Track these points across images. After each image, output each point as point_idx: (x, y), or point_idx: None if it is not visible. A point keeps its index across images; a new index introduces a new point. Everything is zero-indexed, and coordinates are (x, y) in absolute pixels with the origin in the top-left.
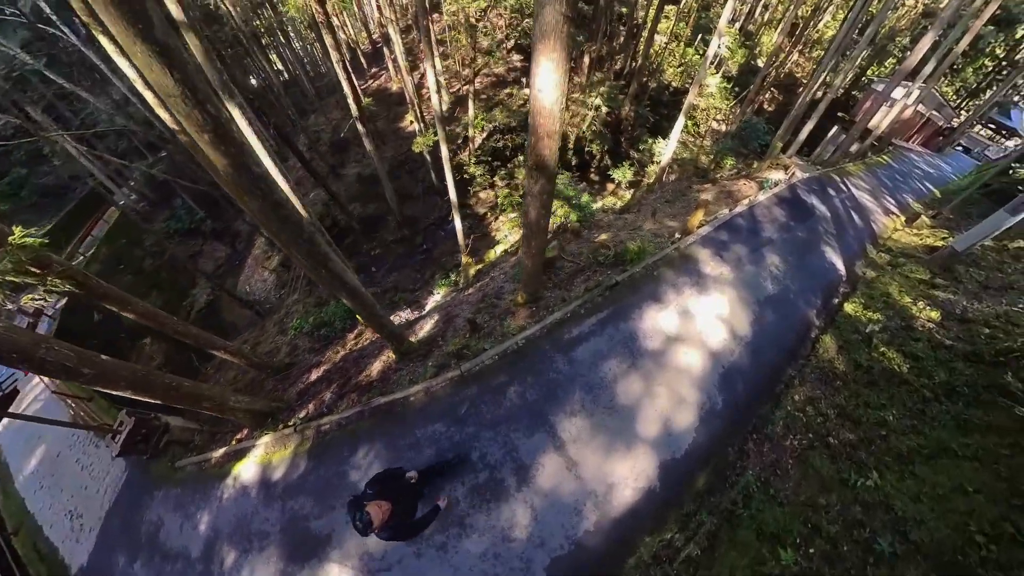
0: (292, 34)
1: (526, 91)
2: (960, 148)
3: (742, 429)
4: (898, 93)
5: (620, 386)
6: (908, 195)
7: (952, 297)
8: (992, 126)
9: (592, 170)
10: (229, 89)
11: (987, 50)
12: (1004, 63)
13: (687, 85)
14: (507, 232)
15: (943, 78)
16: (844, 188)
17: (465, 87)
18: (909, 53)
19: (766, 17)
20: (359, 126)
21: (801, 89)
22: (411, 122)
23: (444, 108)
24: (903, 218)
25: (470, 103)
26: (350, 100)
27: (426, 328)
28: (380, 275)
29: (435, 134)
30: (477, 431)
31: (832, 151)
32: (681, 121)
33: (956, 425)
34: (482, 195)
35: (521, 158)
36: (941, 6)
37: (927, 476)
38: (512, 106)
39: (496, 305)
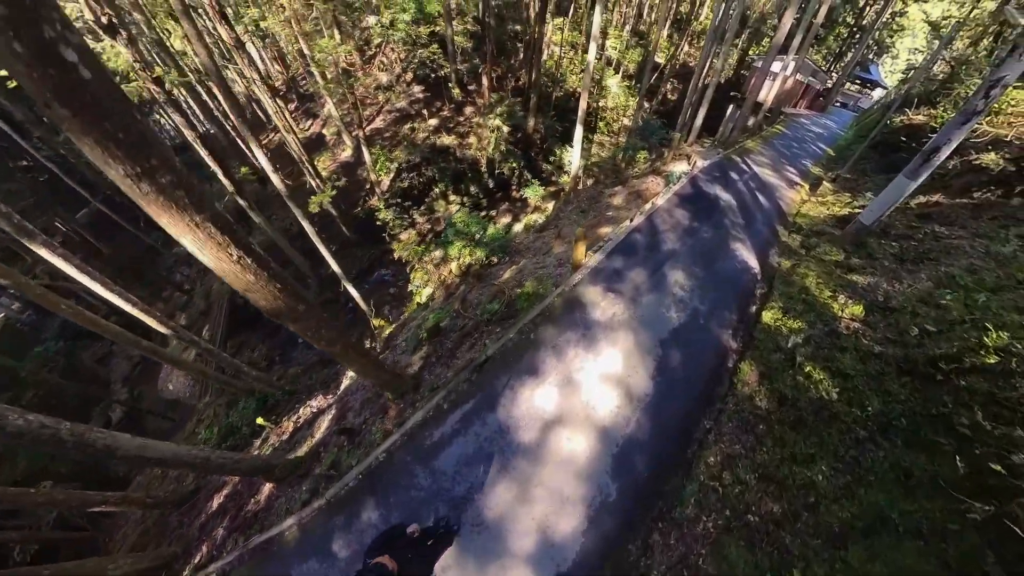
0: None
1: (431, 122)
2: (838, 104)
3: (645, 518)
4: (777, 67)
5: (489, 497)
6: (806, 160)
7: (871, 280)
8: (858, 82)
9: (513, 188)
10: None
11: (840, 20)
12: (855, 29)
13: (594, 90)
14: (419, 283)
15: (811, 48)
16: (746, 168)
17: (364, 129)
18: (776, 31)
19: (653, 16)
20: (240, 200)
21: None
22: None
23: (349, 153)
24: (806, 187)
25: (365, 151)
26: (221, 177)
27: (318, 433)
28: (306, 345)
29: (332, 189)
30: (348, 568)
31: (731, 129)
32: (579, 129)
33: (896, 479)
34: (403, 236)
35: (438, 189)
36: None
37: (861, 565)
38: (417, 140)
39: (381, 395)
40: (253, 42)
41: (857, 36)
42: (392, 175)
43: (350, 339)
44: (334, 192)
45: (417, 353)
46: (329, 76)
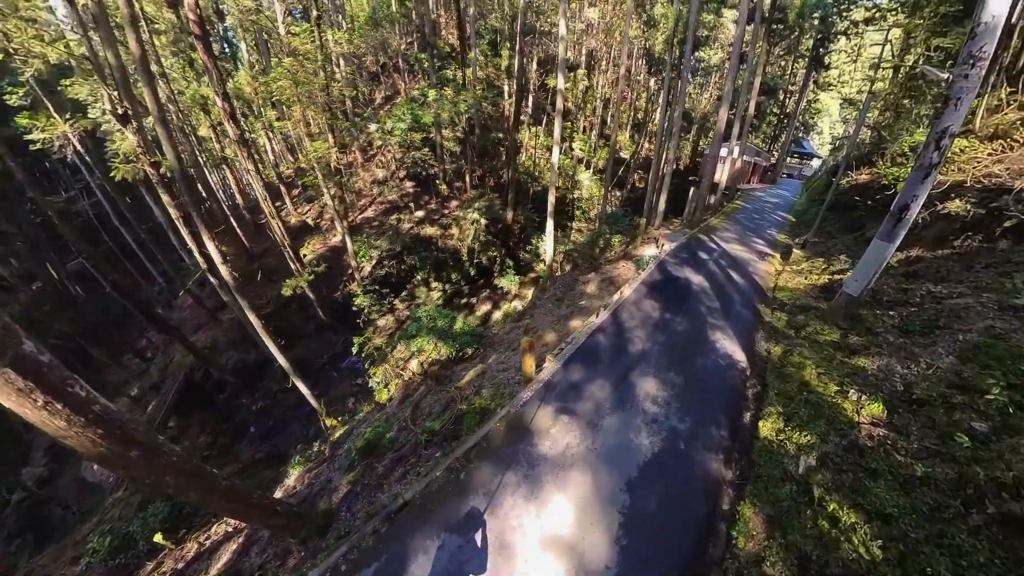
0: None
1: (417, 214)
2: (786, 175)
3: None
4: (725, 152)
5: None
6: (771, 229)
7: (881, 363)
8: (797, 156)
9: (495, 275)
10: None
11: (767, 111)
12: (782, 116)
13: (568, 184)
14: (380, 380)
15: (750, 135)
16: (714, 245)
17: (355, 217)
18: (716, 125)
19: (616, 122)
20: (211, 278)
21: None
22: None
23: (339, 239)
24: (778, 256)
25: (348, 239)
26: (197, 255)
27: (213, 570)
28: (259, 437)
29: (310, 274)
30: None
31: (694, 209)
32: (550, 223)
33: None
34: (380, 323)
35: (420, 276)
36: (724, 90)
37: None
38: (401, 230)
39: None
40: (269, 135)
41: (785, 121)
42: (374, 262)
43: (218, 482)
44: (311, 277)
45: (347, 476)
46: (321, 171)
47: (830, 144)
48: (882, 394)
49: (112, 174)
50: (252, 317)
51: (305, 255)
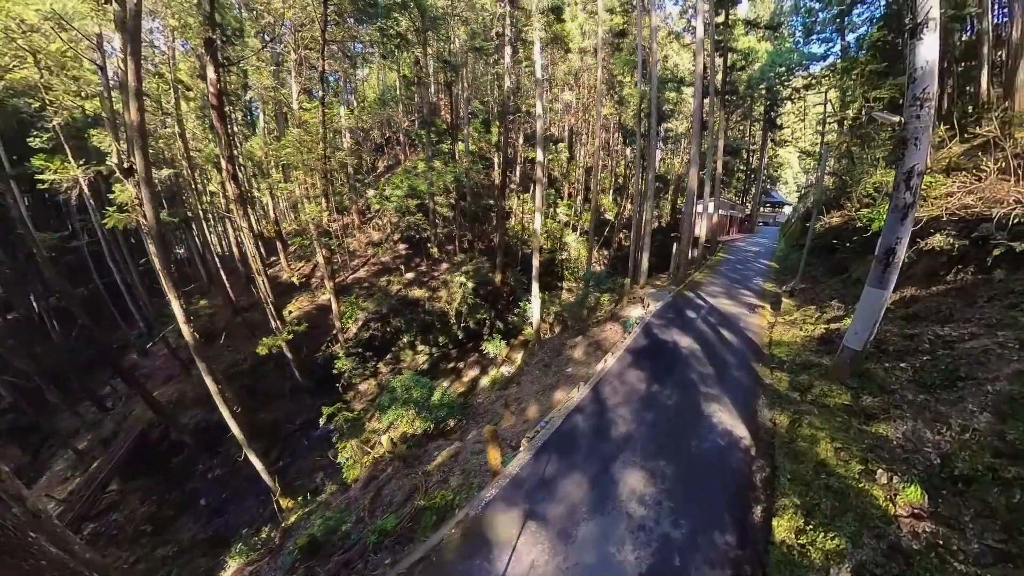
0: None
1: (407, 276)
2: (762, 223)
3: None
4: (701, 208)
5: None
6: (756, 278)
7: (905, 428)
8: (769, 205)
9: (484, 338)
10: None
11: (735, 169)
12: (749, 172)
13: (556, 246)
14: (348, 456)
15: (722, 191)
16: (701, 302)
17: (347, 277)
18: (687, 182)
19: (601, 186)
20: (184, 330)
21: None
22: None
23: (327, 297)
24: (767, 307)
25: (333, 300)
26: (175, 307)
27: None
28: (208, 512)
29: (289, 333)
30: None
31: (678, 265)
32: (535, 286)
33: None
34: (362, 387)
35: (406, 339)
36: (691, 152)
37: None
38: (390, 291)
39: None
40: (273, 194)
41: (752, 176)
42: (360, 323)
43: None
44: (290, 336)
45: None
46: (315, 232)
47: (796, 192)
48: (916, 472)
49: (105, 220)
50: (209, 381)
51: (291, 312)
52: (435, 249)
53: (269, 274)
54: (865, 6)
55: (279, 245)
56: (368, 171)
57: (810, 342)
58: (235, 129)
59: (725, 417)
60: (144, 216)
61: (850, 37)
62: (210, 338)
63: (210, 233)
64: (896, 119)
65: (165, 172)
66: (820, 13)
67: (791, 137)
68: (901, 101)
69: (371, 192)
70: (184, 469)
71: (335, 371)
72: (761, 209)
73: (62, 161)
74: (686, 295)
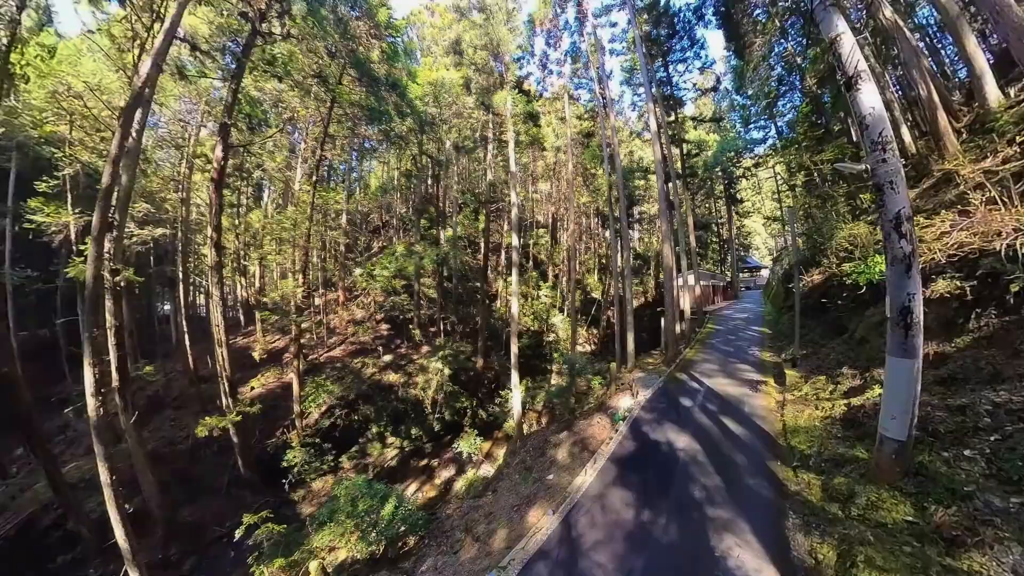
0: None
1: (384, 358)
2: (744, 288)
3: None
4: (682, 281)
5: None
6: (752, 348)
7: (1012, 558)
8: (746, 270)
9: (465, 429)
10: None
11: (708, 243)
12: (722, 243)
13: (543, 327)
14: None
15: (701, 263)
16: (697, 384)
17: (321, 355)
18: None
19: (586, 267)
20: (117, 400)
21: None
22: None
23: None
24: (771, 381)
25: (295, 382)
26: (114, 371)
27: None
28: None
29: (237, 415)
30: None
31: (666, 343)
32: (515, 375)
33: None
34: (316, 485)
35: (375, 429)
36: (663, 230)
37: None
38: (363, 374)
39: None
40: (263, 264)
41: (725, 246)
42: (323, 409)
43: None
44: (238, 418)
45: None
46: (289, 307)
47: (769, 255)
48: None
49: (68, 269)
50: (102, 469)
51: (252, 388)
52: (417, 331)
53: (242, 344)
54: (785, 99)
55: (257, 315)
56: (363, 251)
57: (832, 425)
58: (242, 200)
59: (746, 557)
60: (108, 272)
61: (781, 123)
62: (156, 408)
63: (196, 295)
64: (860, 167)
65: (159, 231)
66: (751, 108)
67: (752, 208)
68: (845, 157)
69: (358, 271)
70: (70, 572)
71: (284, 463)
72: (740, 275)
73: (57, 207)
74: (679, 378)
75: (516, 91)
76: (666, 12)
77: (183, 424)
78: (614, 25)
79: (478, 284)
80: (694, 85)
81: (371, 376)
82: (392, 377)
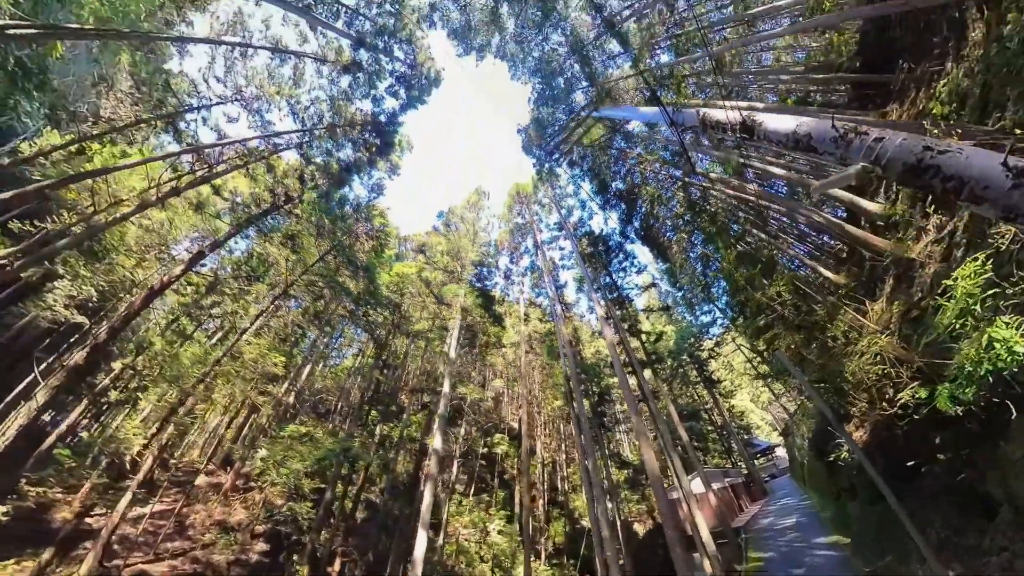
0: None
1: None
2: (768, 479)
3: None
4: (695, 486)
5: None
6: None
7: None
8: (759, 454)
9: None
10: None
11: (703, 432)
12: (720, 429)
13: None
14: None
15: (703, 459)
16: None
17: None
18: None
19: (572, 483)
20: None
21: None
22: None
23: None
24: None
25: None
26: None
27: None
28: None
29: None
30: None
31: None
32: None
33: None
34: None
35: None
36: (652, 437)
37: None
38: None
39: None
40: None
41: (725, 433)
42: None
43: None
44: None
45: None
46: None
47: (774, 430)
48: None
49: None
50: None
51: None
52: (303, 569)
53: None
54: (716, 285)
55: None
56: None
57: None
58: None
59: None
60: None
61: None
62: None
63: None
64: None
65: None
66: (690, 297)
67: (732, 385)
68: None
69: (262, 452)
70: None
71: None
72: (754, 462)
73: None
74: None
75: (475, 294)
76: (600, 237)
77: None
78: (563, 248)
79: (406, 511)
80: (637, 285)
81: None
82: None
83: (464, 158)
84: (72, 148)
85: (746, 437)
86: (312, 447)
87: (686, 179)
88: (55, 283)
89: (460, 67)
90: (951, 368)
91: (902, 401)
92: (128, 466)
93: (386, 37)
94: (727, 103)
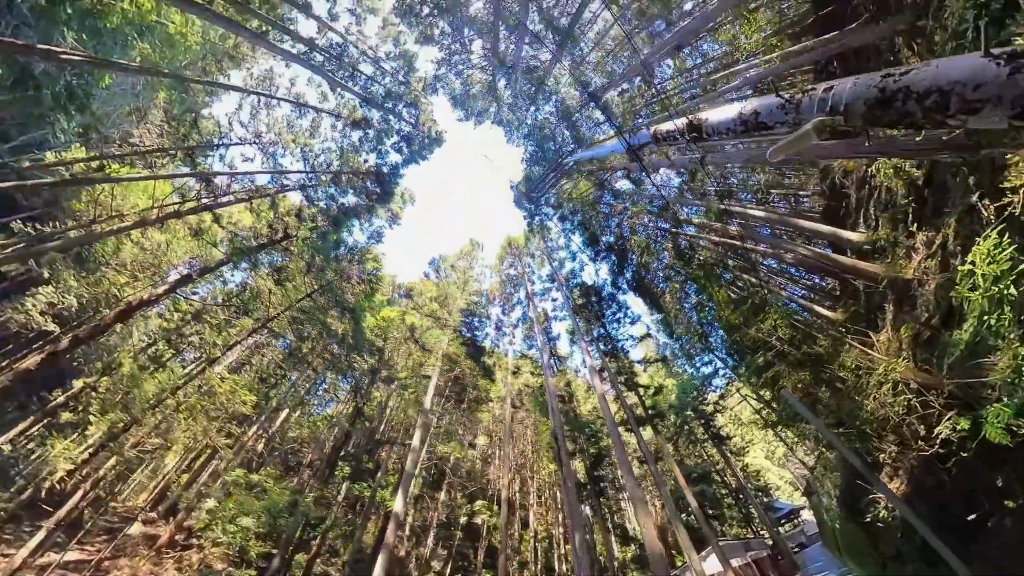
0: None
1: None
2: (797, 548)
3: None
4: (699, 567)
5: None
6: None
7: None
8: (784, 520)
9: None
10: None
11: (717, 496)
12: (735, 492)
13: None
14: None
15: (718, 534)
16: None
17: None
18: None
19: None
20: None
21: None
22: None
23: None
24: None
25: None
26: None
27: None
28: None
29: None
30: None
31: None
32: None
33: None
34: None
35: None
36: (630, 494)
37: None
38: None
39: None
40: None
41: (740, 495)
42: None
43: None
44: None
45: None
46: None
47: (795, 489)
48: None
49: None
50: None
51: None
52: None
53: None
54: (714, 334)
55: None
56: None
57: None
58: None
59: None
60: None
61: (720, 354)
62: None
63: None
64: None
65: None
66: (688, 348)
67: (744, 442)
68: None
69: (210, 502)
70: None
71: None
72: (777, 530)
73: None
74: None
75: (461, 342)
76: (592, 288)
77: None
78: (555, 299)
79: None
80: (632, 336)
81: None
82: None
83: (461, 211)
84: (93, 164)
85: (766, 500)
86: (255, 499)
87: (674, 230)
88: (39, 288)
89: (461, 130)
90: (989, 388)
91: (941, 436)
92: (44, 494)
93: (395, 100)
94: (674, 110)
